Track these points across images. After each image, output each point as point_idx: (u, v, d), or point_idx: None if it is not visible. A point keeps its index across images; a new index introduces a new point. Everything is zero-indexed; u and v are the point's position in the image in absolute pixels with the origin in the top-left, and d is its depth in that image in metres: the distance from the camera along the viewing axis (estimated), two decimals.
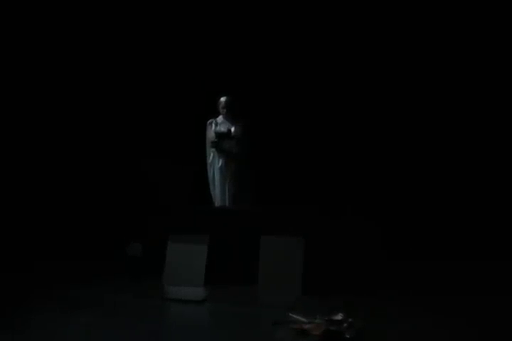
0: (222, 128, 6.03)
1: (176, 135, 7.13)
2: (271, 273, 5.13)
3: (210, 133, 6.06)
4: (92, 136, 7.25)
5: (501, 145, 6.75)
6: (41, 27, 7.00)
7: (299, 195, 6.90)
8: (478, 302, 4.71)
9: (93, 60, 7.23)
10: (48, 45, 7.07)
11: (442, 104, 6.93)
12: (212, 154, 6.08)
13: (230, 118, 6.06)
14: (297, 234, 5.19)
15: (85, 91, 7.27)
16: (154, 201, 6.46)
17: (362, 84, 7.06)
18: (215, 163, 6.07)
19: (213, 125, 6.11)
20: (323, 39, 7.06)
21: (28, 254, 6.06)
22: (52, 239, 6.42)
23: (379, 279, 5.35)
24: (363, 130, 7.07)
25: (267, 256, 5.21)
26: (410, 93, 6.98)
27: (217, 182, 6.05)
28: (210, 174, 6.13)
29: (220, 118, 6.12)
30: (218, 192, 6.05)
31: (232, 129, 5.99)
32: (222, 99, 6.07)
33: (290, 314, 4.14)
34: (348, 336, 3.73)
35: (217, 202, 6.07)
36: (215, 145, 5.95)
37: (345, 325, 3.87)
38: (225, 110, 6.05)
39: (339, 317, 3.98)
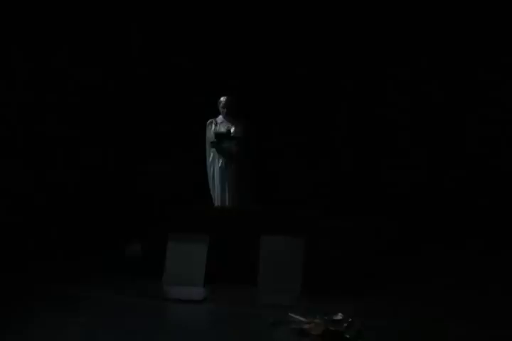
0: (222, 128, 6.03)
1: (176, 135, 7.14)
2: (271, 273, 5.13)
3: (210, 133, 6.06)
4: (91, 135, 7.24)
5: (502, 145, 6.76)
6: (41, 27, 6.99)
7: (299, 195, 6.91)
8: (479, 302, 4.72)
9: (93, 60, 7.23)
10: (48, 46, 7.07)
11: (442, 104, 6.93)
12: (212, 154, 6.08)
13: (230, 118, 6.06)
14: (297, 234, 5.19)
15: (85, 91, 7.26)
16: (154, 201, 6.47)
17: (361, 82, 7.06)
18: (215, 163, 6.07)
19: (213, 125, 6.11)
20: (323, 39, 7.06)
21: (28, 254, 6.05)
22: (52, 238, 6.42)
23: (379, 279, 5.34)
24: (362, 129, 7.07)
25: (267, 256, 5.21)
26: (410, 93, 6.98)
27: (217, 182, 6.04)
28: (210, 174, 6.13)
29: (219, 118, 6.12)
30: (218, 192, 6.05)
31: (232, 129, 5.99)
32: (222, 98, 6.06)
33: (290, 314, 4.14)
34: (347, 336, 3.73)
35: (217, 202, 6.07)
36: (215, 145, 5.95)
37: (345, 324, 3.87)
38: (224, 110, 6.05)
39: (339, 317, 3.99)
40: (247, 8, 7.06)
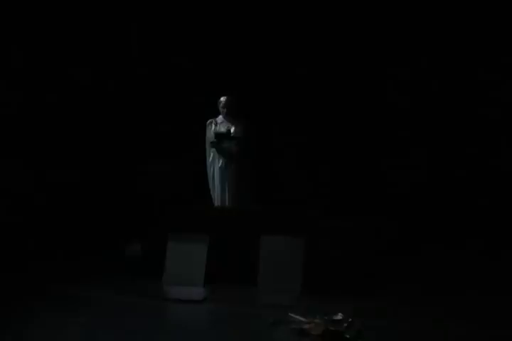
0: (222, 128, 6.03)
1: (176, 135, 7.14)
2: (271, 273, 5.13)
3: (210, 133, 6.06)
4: (91, 135, 7.24)
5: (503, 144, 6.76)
6: (41, 27, 7.00)
7: (299, 195, 6.91)
8: (479, 302, 4.72)
9: (93, 60, 7.23)
10: (48, 46, 7.07)
11: (442, 104, 6.93)
12: (212, 154, 6.08)
13: (230, 118, 6.06)
14: (297, 234, 5.19)
15: (85, 91, 7.26)
16: (154, 201, 6.47)
17: (360, 85, 7.06)
18: (215, 163, 6.06)
19: (213, 125, 6.11)
20: (323, 39, 7.06)
21: (28, 254, 6.05)
22: (52, 238, 6.42)
23: (379, 279, 5.34)
24: (363, 129, 7.07)
25: (267, 256, 5.21)
26: (410, 93, 6.98)
27: (217, 182, 6.04)
28: (210, 174, 6.13)
29: (219, 118, 6.12)
30: (218, 192, 6.05)
31: (232, 129, 5.99)
32: (222, 98, 6.06)
33: (290, 314, 4.14)
34: (347, 336, 3.73)
35: (217, 202, 6.06)
36: (215, 145, 5.95)
37: (344, 324, 3.87)
38: (224, 110, 6.05)
39: (339, 317, 3.99)
40: (247, 8, 7.05)
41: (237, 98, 6.12)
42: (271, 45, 7.10)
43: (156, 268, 5.29)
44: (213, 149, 6.02)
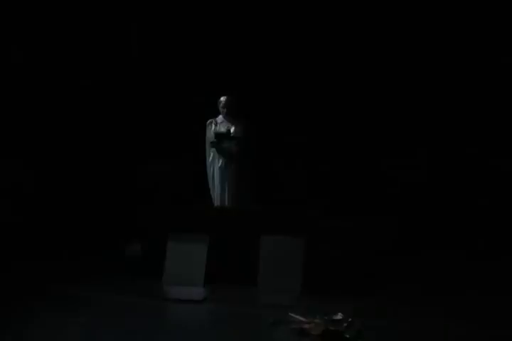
0: (222, 128, 6.03)
1: (176, 135, 7.14)
2: (271, 273, 5.13)
3: (210, 133, 6.06)
4: (91, 134, 7.24)
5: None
6: (42, 27, 7.00)
7: (299, 195, 6.91)
8: (479, 302, 4.72)
9: (92, 61, 7.23)
10: (48, 46, 7.07)
11: (442, 104, 6.93)
12: (212, 154, 6.08)
13: (230, 118, 6.06)
14: (297, 234, 5.19)
15: (85, 91, 7.26)
16: (154, 201, 6.47)
17: (360, 82, 7.06)
18: (215, 163, 6.06)
19: (213, 125, 6.11)
20: (323, 39, 7.06)
21: (28, 254, 6.05)
22: (52, 238, 6.42)
23: (379, 279, 5.34)
24: (363, 129, 7.07)
25: (267, 256, 5.21)
26: (410, 93, 6.98)
27: (217, 182, 6.04)
28: (209, 174, 6.13)
29: (219, 118, 6.12)
30: (218, 192, 6.04)
31: (232, 129, 5.99)
32: (222, 98, 6.06)
33: (290, 314, 4.14)
34: (347, 336, 3.73)
35: (217, 202, 6.06)
36: (215, 145, 5.95)
37: (344, 324, 3.87)
38: (224, 110, 6.05)
39: (339, 316, 3.98)
40: (247, 8, 7.05)
41: (237, 98, 6.12)
42: (271, 45, 7.09)
43: (156, 268, 5.29)
44: (213, 149, 6.02)
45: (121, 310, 4.49)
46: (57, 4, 7.00)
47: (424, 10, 6.82)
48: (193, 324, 4.35)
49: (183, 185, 7.04)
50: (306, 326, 3.90)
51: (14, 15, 6.83)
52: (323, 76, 7.09)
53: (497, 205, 6.61)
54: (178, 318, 4.63)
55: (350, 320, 3.91)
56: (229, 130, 5.97)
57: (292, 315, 4.13)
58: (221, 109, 6.08)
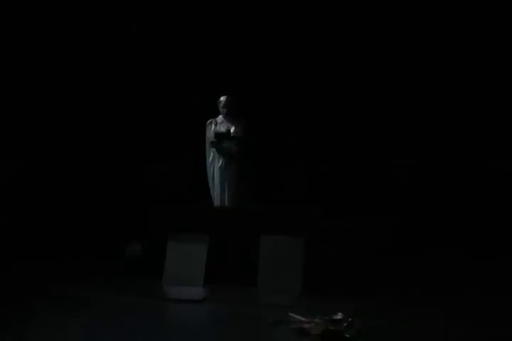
0: (222, 128, 6.03)
1: (176, 135, 7.14)
2: (271, 273, 5.13)
3: (210, 133, 6.05)
4: (91, 134, 7.25)
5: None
6: (42, 27, 6.99)
7: (299, 195, 6.91)
8: (479, 302, 4.72)
9: (92, 61, 7.23)
10: (48, 47, 7.07)
11: (442, 104, 6.93)
12: (212, 154, 6.08)
13: (230, 118, 6.05)
14: (297, 234, 5.19)
15: (85, 91, 7.26)
16: (154, 200, 6.47)
17: (360, 82, 7.06)
18: (215, 163, 6.06)
19: (213, 125, 6.10)
20: (323, 39, 7.06)
21: (28, 254, 6.05)
22: (52, 238, 6.42)
23: (379, 279, 5.34)
24: (363, 129, 7.07)
25: (267, 256, 5.21)
26: (410, 93, 6.98)
27: (217, 182, 6.04)
28: (209, 174, 6.12)
29: (219, 118, 6.11)
30: (218, 192, 6.04)
31: (232, 129, 5.98)
32: (222, 98, 6.06)
33: (290, 314, 4.14)
34: (347, 336, 3.73)
35: (217, 202, 6.06)
36: (215, 145, 5.95)
37: (344, 324, 3.87)
38: (224, 110, 6.05)
39: (339, 316, 3.98)
40: (247, 8, 7.05)
41: (237, 98, 6.12)
42: (271, 45, 7.10)
43: (156, 268, 5.28)
44: (213, 149, 6.02)
45: (121, 310, 4.49)
46: (57, 4, 7.00)
47: (424, 10, 6.82)
48: (193, 324, 4.35)
49: (183, 185, 7.04)
50: (306, 326, 3.90)
51: (14, 16, 6.84)
52: (323, 76, 7.09)
53: (497, 205, 6.61)
54: (178, 318, 4.63)
55: (350, 320, 3.91)
56: (229, 130, 5.96)
57: (292, 315, 4.13)
58: (221, 109, 6.08)
